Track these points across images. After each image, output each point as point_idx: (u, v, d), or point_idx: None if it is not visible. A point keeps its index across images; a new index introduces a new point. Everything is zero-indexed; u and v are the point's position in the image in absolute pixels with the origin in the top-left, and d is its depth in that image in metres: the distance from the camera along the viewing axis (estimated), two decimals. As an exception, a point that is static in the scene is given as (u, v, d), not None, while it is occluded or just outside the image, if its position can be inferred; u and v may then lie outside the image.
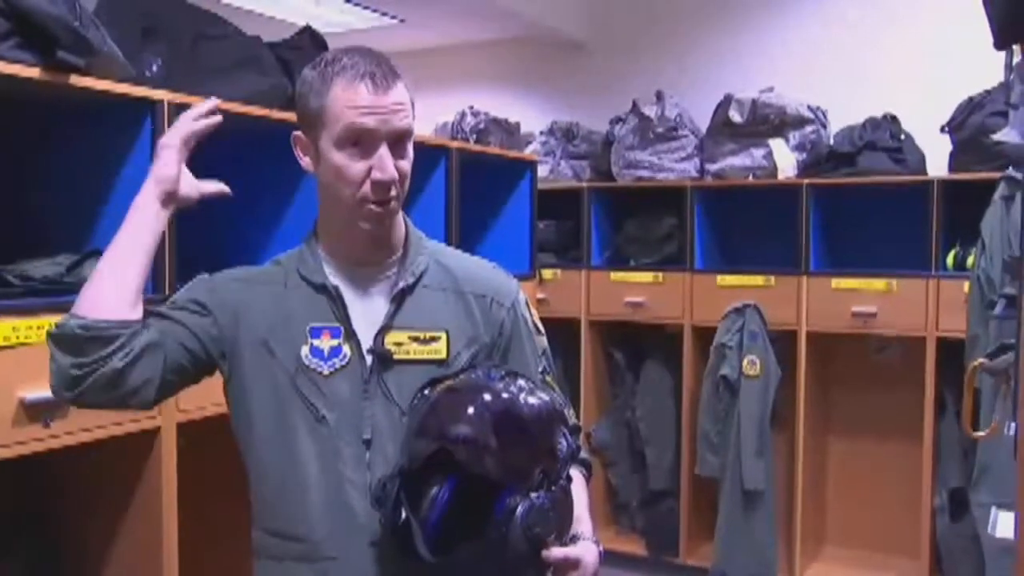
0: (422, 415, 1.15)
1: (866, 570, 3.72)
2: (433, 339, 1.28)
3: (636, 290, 3.93)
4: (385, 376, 1.26)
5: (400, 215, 1.31)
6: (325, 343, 1.26)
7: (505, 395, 1.14)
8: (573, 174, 4.31)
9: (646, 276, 3.93)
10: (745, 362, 3.64)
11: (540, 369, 1.35)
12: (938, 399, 3.47)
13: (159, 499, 1.76)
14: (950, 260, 3.43)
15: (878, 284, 3.49)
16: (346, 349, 1.26)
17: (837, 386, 3.92)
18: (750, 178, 3.80)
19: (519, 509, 1.09)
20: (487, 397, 1.14)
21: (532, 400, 1.15)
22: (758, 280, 3.71)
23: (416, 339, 1.27)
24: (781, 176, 3.73)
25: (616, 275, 4.00)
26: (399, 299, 1.28)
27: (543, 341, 1.39)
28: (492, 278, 1.36)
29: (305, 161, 1.28)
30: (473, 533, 1.15)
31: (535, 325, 1.39)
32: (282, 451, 1.27)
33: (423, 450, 1.12)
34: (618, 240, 4.18)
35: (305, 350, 1.26)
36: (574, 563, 1.15)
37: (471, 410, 1.12)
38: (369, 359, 1.26)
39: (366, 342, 1.26)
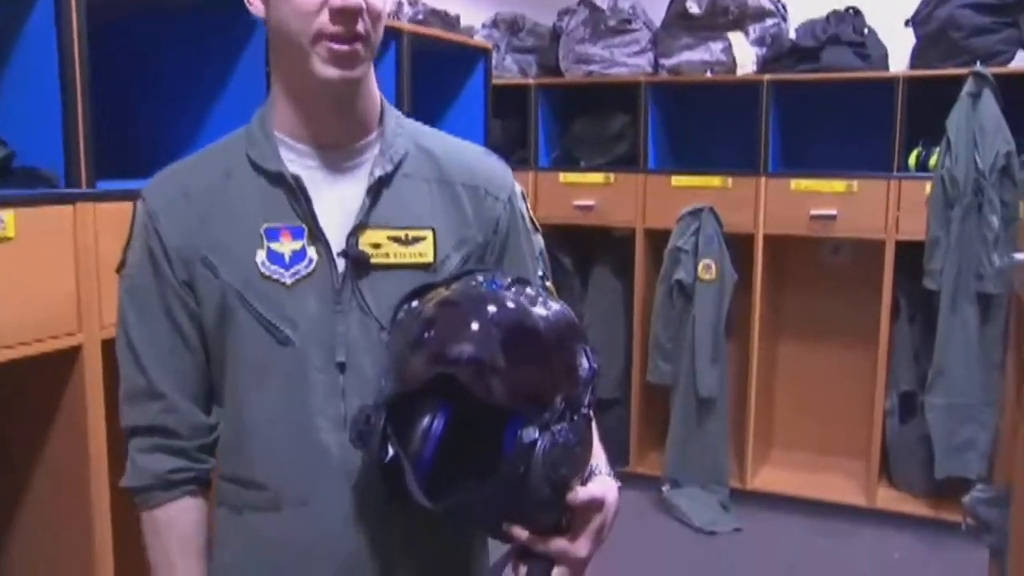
0: (415, 334, 0.95)
1: (815, 473, 3.72)
2: (417, 239, 1.07)
3: (586, 192, 3.75)
4: (361, 285, 1.05)
5: (372, 83, 1.08)
6: (285, 246, 1.05)
7: (513, 306, 0.95)
8: (519, 70, 4.06)
9: (596, 177, 3.75)
10: (700, 266, 3.53)
11: (539, 274, 1.16)
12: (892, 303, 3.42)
13: (84, 418, 1.57)
14: (912, 160, 3.34)
15: (838, 186, 3.38)
16: (312, 253, 1.05)
17: (791, 290, 3.85)
18: (707, 74, 3.62)
19: (539, 446, 0.92)
20: (492, 309, 0.94)
21: (546, 312, 0.97)
22: (714, 181, 3.57)
23: (397, 239, 1.07)
24: (740, 72, 3.56)
25: (565, 177, 3.81)
26: (375, 191, 1.07)
27: (540, 241, 1.20)
28: (484, 165, 1.15)
29: (255, 4, 1.03)
30: (470, 473, 0.98)
31: (532, 222, 1.19)
32: (237, 382, 1.07)
33: (418, 375, 0.93)
34: (566, 140, 3.98)
35: (261, 256, 1.05)
36: (598, 504, 0.99)
37: (475, 325, 0.93)
38: (341, 264, 1.05)
39: (336, 244, 1.05)
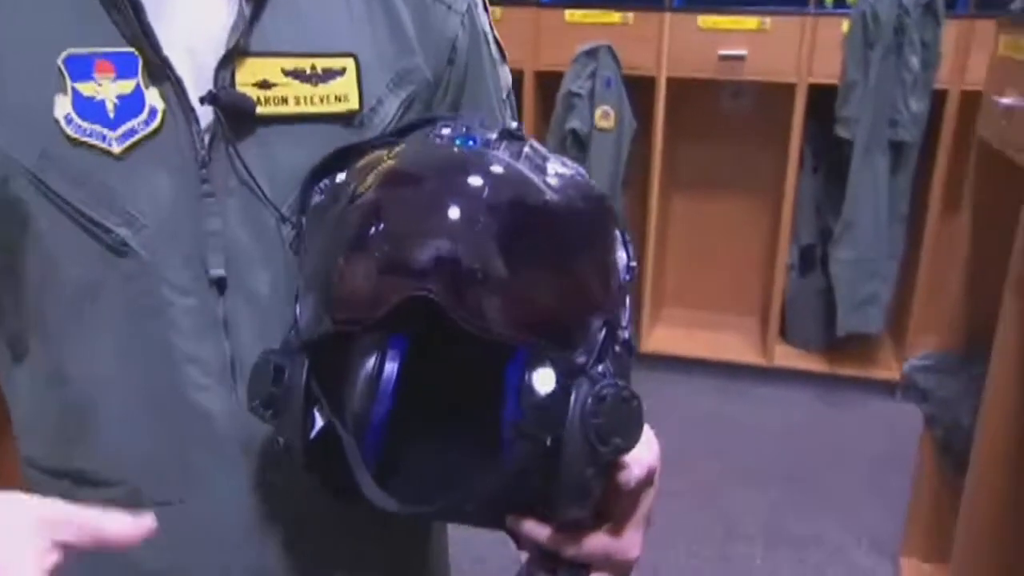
0: (351, 229, 0.57)
1: (710, 332, 3.58)
2: (331, 73, 0.67)
3: (469, 28, 3.29)
4: (243, 149, 0.65)
5: None
6: (105, 88, 0.63)
7: (509, 174, 0.58)
8: None
9: (480, 11, 3.28)
10: (598, 113, 3.19)
11: (512, 126, 0.78)
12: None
13: None
14: (829, -6, 3.05)
15: (749, 22, 3.06)
16: (153, 98, 0.64)
17: (690, 139, 3.57)
18: None
19: (574, 402, 0.56)
20: (477, 182, 0.56)
21: (560, 182, 0.60)
22: (613, 17, 3.18)
23: (298, 73, 0.66)
24: None
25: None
26: (257, -5, 0.65)
27: (508, 75, 0.82)
28: None
29: None
30: (440, 441, 0.63)
31: (498, 45, 0.80)
32: (47, 325, 0.67)
33: (364, 299, 0.55)
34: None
35: (63, 106, 0.62)
36: (650, 476, 0.65)
37: (454, 209, 0.54)
38: (206, 117, 0.64)
39: (197, 83, 0.64)
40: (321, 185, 0.63)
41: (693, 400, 3.24)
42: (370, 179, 0.59)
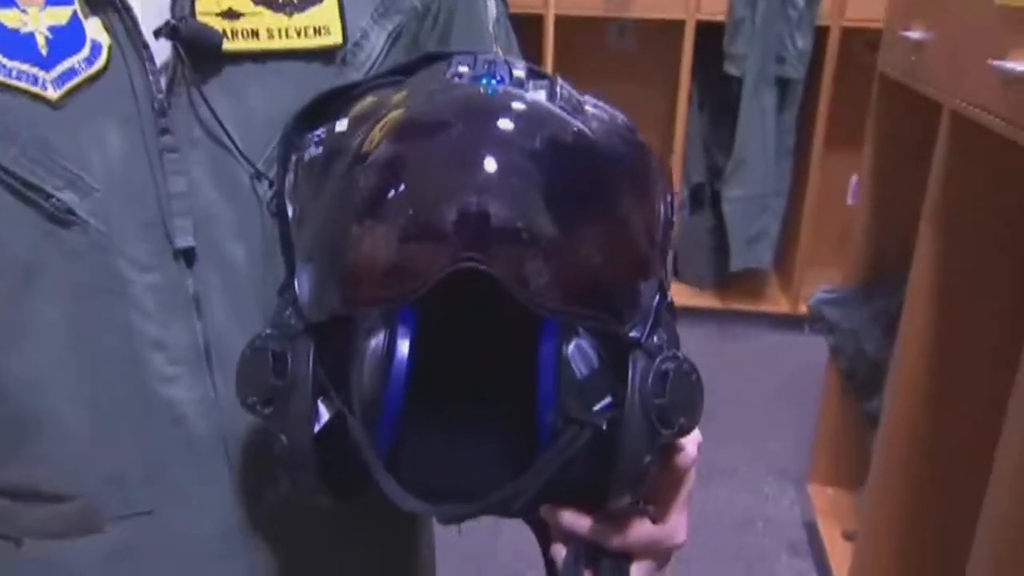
0: (366, 190, 0.47)
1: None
2: (308, 0, 0.57)
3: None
4: (208, 93, 0.54)
5: None
6: (33, 17, 0.52)
7: (549, 117, 0.50)
8: None
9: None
10: (486, 53, 3.09)
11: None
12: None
13: None
14: (715, -71, 3.03)
15: (638, -42, 3.02)
16: (94, 31, 0.52)
17: (579, 79, 3.48)
18: None
19: (633, 380, 0.49)
20: (511, 127, 0.48)
21: (599, 124, 0.52)
22: (499, -49, 3.06)
23: (270, 1, 0.56)
24: None
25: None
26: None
27: (492, 3, 0.73)
28: None
29: None
30: (447, 430, 0.56)
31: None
32: None
33: (403, 272, 0.46)
34: None
35: None
36: (694, 458, 0.60)
37: (491, 162, 0.46)
38: (162, 53, 0.53)
39: (149, 11, 0.52)
40: (315, 135, 0.53)
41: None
42: (381, 129, 0.49)
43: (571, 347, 0.53)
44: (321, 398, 0.51)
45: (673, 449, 0.55)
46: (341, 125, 0.52)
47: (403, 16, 0.62)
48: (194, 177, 0.55)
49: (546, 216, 0.47)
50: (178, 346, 0.56)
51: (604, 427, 0.50)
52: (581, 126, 0.50)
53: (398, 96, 0.53)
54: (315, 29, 0.57)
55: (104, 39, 0.52)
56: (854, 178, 2.22)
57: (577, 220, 0.48)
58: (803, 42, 2.92)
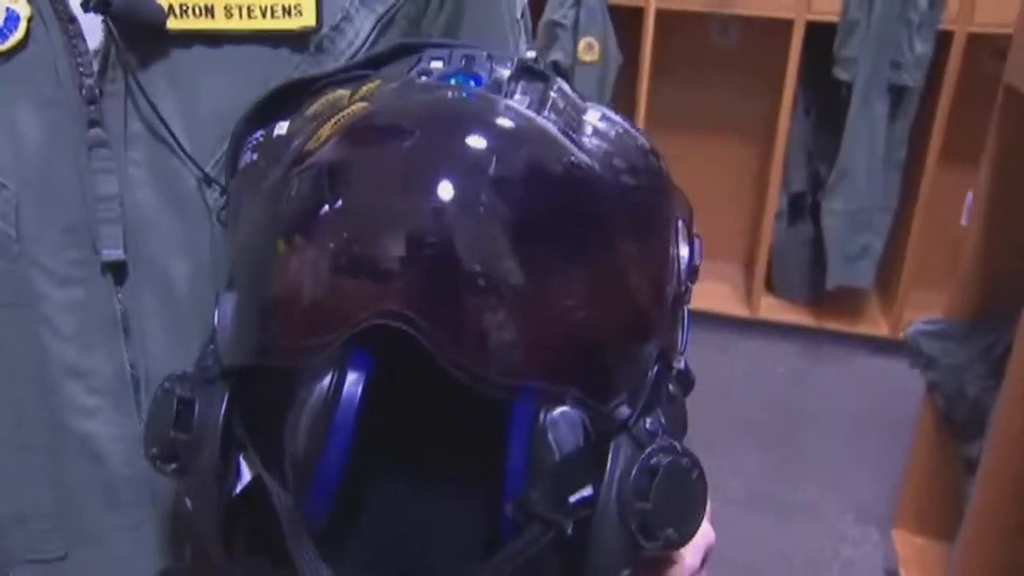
0: (297, 202, 0.39)
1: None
2: None
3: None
4: (149, 81, 0.46)
5: None
6: None
7: (528, 131, 0.40)
8: None
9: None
10: (581, 45, 2.98)
11: (529, 55, 0.59)
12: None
13: None
14: (833, -78, 2.83)
15: (747, -49, 2.85)
16: (17, 3, 0.44)
17: (675, 77, 3.37)
18: None
19: (612, 477, 0.39)
20: (478, 144, 0.38)
21: (602, 142, 0.42)
22: (601, -60, 2.94)
23: (225, -26, 0.47)
24: None
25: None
26: None
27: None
28: None
29: None
30: (412, 493, 0.46)
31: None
32: None
33: (307, 322, 0.37)
34: None
35: None
36: (705, 561, 0.48)
37: (446, 188, 0.36)
38: (95, 35, 0.45)
39: None
40: (254, 138, 0.44)
41: (672, 352, 3.10)
42: (323, 133, 0.40)
43: (554, 415, 0.43)
44: (244, 454, 0.43)
45: (663, 562, 0.44)
46: (281, 128, 0.43)
47: None
48: (130, 179, 0.47)
49: (508, 257, 0.37)
50: (100, 374, 0.48)
51: (570, 531, 0.39)
52: (571, 146, 0.40)
53: (356, 94, 0.43)
54: (284, 8, 0.48)
55: (23, 9, 0.44)
56: (969, 196, 2.02)
57: (547, 267, 0.38)
58: (922, 47, 2.70)
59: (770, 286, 3.28)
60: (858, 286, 3.02)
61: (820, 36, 2.85)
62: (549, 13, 2.99)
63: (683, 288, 0.46)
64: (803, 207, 3.18)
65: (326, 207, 0.38)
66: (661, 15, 2.98)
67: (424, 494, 0.48)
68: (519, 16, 0.62)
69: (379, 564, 0.46)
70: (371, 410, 0.44)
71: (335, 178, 0.39)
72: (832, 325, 3.11)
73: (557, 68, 3.01)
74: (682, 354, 0.46)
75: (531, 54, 0.59)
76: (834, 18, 2.79)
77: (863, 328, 3.13)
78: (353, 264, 0.37)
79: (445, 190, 0.37)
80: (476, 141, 0.39)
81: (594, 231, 0.39)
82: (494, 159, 0.38)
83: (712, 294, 3.33)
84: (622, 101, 3.11)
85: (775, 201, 3.13)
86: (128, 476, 0.50)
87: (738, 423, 2.66)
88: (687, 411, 0.45)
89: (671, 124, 3.43)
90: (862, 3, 2.71)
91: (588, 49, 2.98)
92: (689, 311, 0.48)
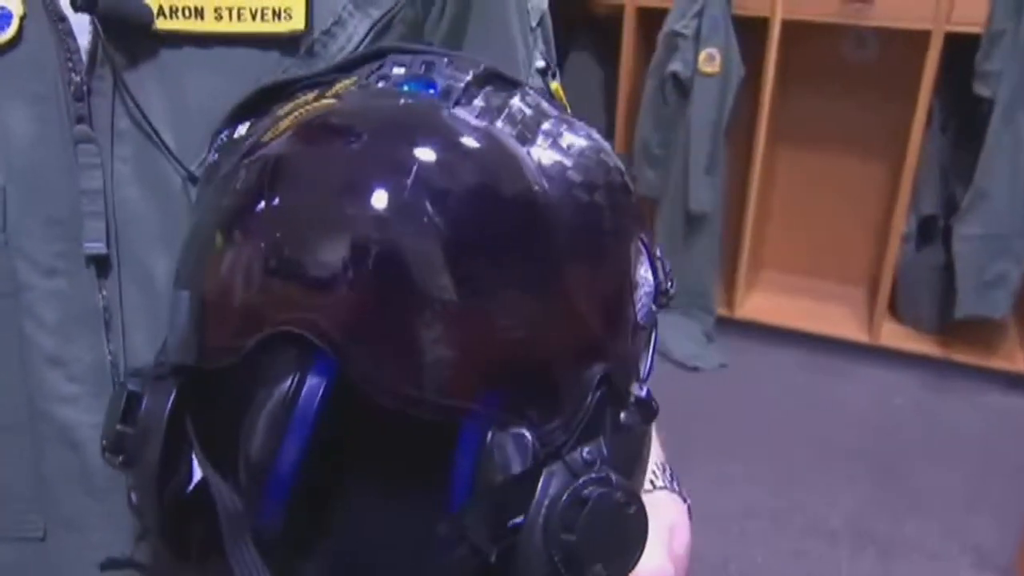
0: (232, 202, 0.39)
1: (811, 301, 3.28)
2: None
3: (568, -43, 3.03)
4: (137, 80, 0.48)
5: None
6: None
7: (476, 144, 0.38)
8: None
9: (581, -62, 3.02)
10: (702, 56, 2.91)
11: (537, 66, 0.58)
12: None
13: None
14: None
15: (882, -41, 2.72)
16: (11, 2, 0.46)
17: (802, 90, 3.25)
18: None
19: (538, 508, 0.37)
20: (419, 154, 0.37)
21: (561, 157, 0.40)
22: (727, -51, 2.87)
23: (213, -25, 0.48)
24: None
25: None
26: None
27: None
28: None
29: None
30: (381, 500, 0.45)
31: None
32: None
33: (241, 321, 0.37)
34: None
35: None
36: None
37: (380, 195, 0.36)
38: (84, 34, 0.47)
39: None
40: (220, 138, 0.45)
41: (784, 375, 2.98)
42: (282, 126, 0.40)
43: (503, 435, 0.41)
44: (195, 453, 0.43)
45: None
46: (242, 129, 0.43)
47: (394, 2, 0.52)
48: (117, 175, 0.48)
49: (440, 272, 0.36)
50: (80, 363, 0.50)
51: (492, 558, 0.38)
52: (519, 157, 0.38)
53: (316, 97, 0.43)
54: (275, 12, 0.49)
55: (16, 7, 0.46)
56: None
57: (483, 281, 0.36)
58: (1074, 61, 2.50)
59: (894, 312, 3.11)
60: (991, 316, 2.82)
61: (962, 48, 2.68)
62: (670, 23, 2.93)
63: (651, 312, 0.43)
64: (933, 231, 3.00)
65: (256, 205, 0.38)
66: (787, 26, 2.88)
67: (387, 502, 0.47)
68: (535, 24, 0.60)
69: (336, 572, 0.45)
70: (335, 415, 0.44)
71: (277, 174, 0.39)
72: (960, 357, 2.92)
73: (676, 80, 2.95)
74: (643, 381, 0.43)
75: (540, 64, 0.58)
76: (976, 29, 2.62)
77: (996, 362, 2.92)
78: (282, 265, 0.37)
79: (378, 199, 0.36)
80: (419, 150, 0.38)
81: (529, 246, 0.38)
82: (432, 168, 0.37)
83: (831, 316, 3.19)
84: (744, 112, 3.02)
85: (902, 222, 2.97)
86: (100, 460, 0.52)
87: (846, 452, 2.53)
88: (647, 442, 0.43)
89: (795, 139, 3.32)
90: (1011, 13, 2.53)
91: (709, 60, 2.91)
92: (656, 336, 0.45)
